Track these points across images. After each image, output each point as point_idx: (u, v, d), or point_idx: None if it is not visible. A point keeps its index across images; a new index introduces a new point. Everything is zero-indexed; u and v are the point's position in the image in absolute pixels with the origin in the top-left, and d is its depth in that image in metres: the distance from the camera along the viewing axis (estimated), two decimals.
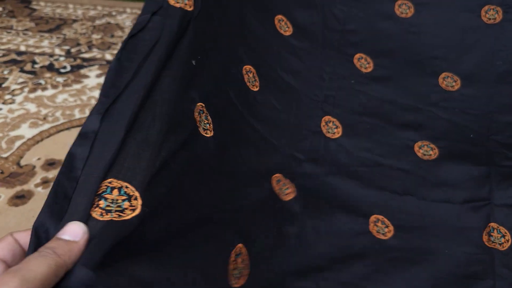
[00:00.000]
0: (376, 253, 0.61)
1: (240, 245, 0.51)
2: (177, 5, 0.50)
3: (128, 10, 1.56)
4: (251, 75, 0.69)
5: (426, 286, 0.59)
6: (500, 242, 0.61)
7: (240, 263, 0.50)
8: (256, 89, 0.69)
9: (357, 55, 0.82)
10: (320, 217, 0.65)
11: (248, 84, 0.67)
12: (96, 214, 0.33)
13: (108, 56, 1.25)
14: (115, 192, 0.35)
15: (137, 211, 0.35)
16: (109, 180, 0.35)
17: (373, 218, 0.65)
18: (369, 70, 0.81)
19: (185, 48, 0.50)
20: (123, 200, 0.35)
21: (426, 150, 0.74)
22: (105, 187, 0.35)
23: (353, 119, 0.77)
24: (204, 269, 0.44)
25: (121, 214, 0.34)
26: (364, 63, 0.81)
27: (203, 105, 0.52)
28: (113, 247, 0.32)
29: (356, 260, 0.61)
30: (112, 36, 1.38)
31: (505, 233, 0.62)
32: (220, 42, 0.64)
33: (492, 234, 0.62)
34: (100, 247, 0.31)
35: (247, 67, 0.69)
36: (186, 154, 0.45)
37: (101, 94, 0.40)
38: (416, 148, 0.74)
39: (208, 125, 0.52)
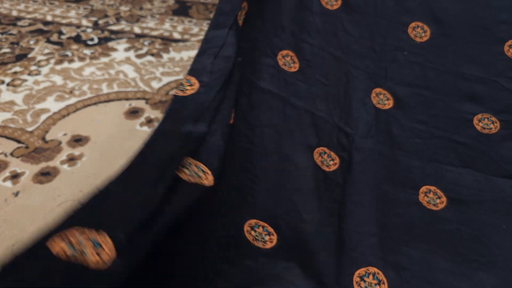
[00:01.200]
0: (426, 224, 0.60)
1: None
2: None
3: None
4: (288, 58, 0.75)
5: (482, 261, 0.56)
6: None
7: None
8: (294, 70, 0.74)
9: (413, 24, 0.78)
10: (364, 187, 0.64)
11: (284, 67, 0.74)
12: None
13: (137, 29, 1.20)
14: None
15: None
16: None
17: (424, 188, 0.64)
18: (426, 39, 0.77)
19: None
20: None
21: (486, 123, 0.71)
22: None
23: (406, 91, 0.75)
24: None
25: None
26: (420, 32, 0.78)
27: None
28: None
29: (402, 229, 0.59)
30: (141, 8, 1.32)
31: None
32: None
33: None
34: None
35: (284, 52, 0.75)
36: None
37: None
38: (475, 121, 0.71)
39: None
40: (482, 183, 0.65)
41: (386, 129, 0.71)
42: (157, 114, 0.88)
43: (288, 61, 0.76)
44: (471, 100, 0.73)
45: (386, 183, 0.65)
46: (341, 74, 0.77)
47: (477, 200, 0.63)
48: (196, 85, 0.58)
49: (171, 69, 1.03)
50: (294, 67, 0.76)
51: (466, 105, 0.73)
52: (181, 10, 1.32)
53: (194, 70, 0.61)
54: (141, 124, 0.86)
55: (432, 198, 0.63)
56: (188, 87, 0.58)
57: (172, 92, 0.95)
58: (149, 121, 0.86)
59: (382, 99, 0.75)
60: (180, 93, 0.56)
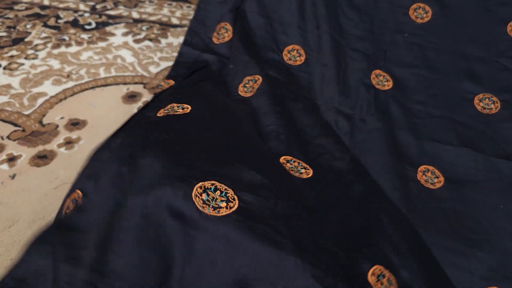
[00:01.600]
0: (422, 201, 0.61)
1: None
2: None
3: None
4: (294, 52, 0.79)
5: (477, 239, 0.57)
6: None
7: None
8: (299, 63, 0.78)
9: (414, 5, 0.79)
10: (374, 161, 0.66)
11: (289, 62, 0.78)
12: None
13: (135, 14, 1.19)
14: None
15: None
16: None
17: (422, 168, 0.65)
18: (427, 20, 0.78)
19: None
20: None
21: (487, 103, 0.71)
22: None
23: (406, 72, 0.75)
24: None
25: None
26: (421, 13, 0.78)
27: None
28: None
29: (400, 202, 0.61)
30: None
31: None
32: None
33: None
34: None
35: (289, 47, 0.79)
36: None
37: None
38: (476, 100, 0.71)
39: None
40: (480, 163, 0.65)
41: (385, 108, 0.72)
42: None
43: (294, 55, 0.79)
44: (471, 79, 0.73)
45: (387, 158, 0.66)
46: (340, 58, 0.78)
47: (474, 180, 0.64)
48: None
49: (169, 54, 1.02)
50: (300, 60, 0.79)
51: (466, 84, 0.73)
52: None
53: None
54: (139, 108, 0.85)
55: (430, 177, 0.64)
56: None
57: None
58: None
59: (382, 80, 0.75)
60: None
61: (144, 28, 1.12)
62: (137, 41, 1.06)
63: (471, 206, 0.61)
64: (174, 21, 1.16)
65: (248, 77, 0.76)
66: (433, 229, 0.58)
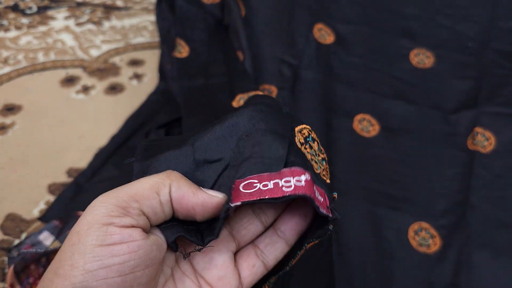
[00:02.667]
0: (356, 148, 0.64)
1: None
2: None
3: None
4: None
5: (406, 181, 0.61)
6: (482, 145, 0.62)
7: None
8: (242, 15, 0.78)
9: None
10: (307, 114, 0.68)
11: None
12: None
13: None
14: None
15: None
16: None
17: (358, 117, 0.67)
18: None
19: None
20: None
21: (421, 58, 0.73)
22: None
23: (347, 28, 0.77)
24: None
25: None
26: None
27: None
28: None
29: (335, 153, 0.63)
30: None
31: (489, 137, 0.63)
32: None
33: (476, 137, 0.63)
34: None
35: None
36: None
37: None
38: (411, 56, 0.74)
39: None
40: (412, 113, 0.68)
41: (326, 61, 0.74)
42: (94, 82, 0.87)
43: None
44: (407, 36, 0.76)
45: (325, 109, 0.68)
46: (285, 11, 0.79)
47: (407, 128, 0.67)
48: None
49: (111, 37, 1.01)
50: (241, 13, 0.79)
51: (402, 41, 0.75)
52: None
53: None
54: (77, 92, 0.85)
55: (365, 125, 0.67)
56: None
57: (112, 60, 0.94)
58: (85, 89, 0.85)
59: (324, 35, 0.76)
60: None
61: (87, 11, 1.10)
62: (79, 25, 1.04)
63: (403, 153, 0.64)
64: (119, 3, 1.15)
65: None
66: (365, 174, 0.62)
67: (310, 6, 0.78)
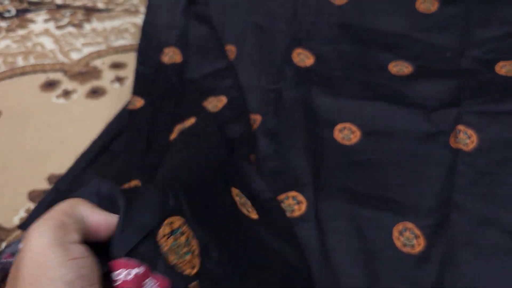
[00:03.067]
0: (338, 157, 0.64)
1: None
2: None
3: None
4: (228, 48, 0.81)
5: (390, 183, 0.61)
6: (465, 143, 0.63)
7: None
8: (231, 59, 0.80)
9: None
10: (290, 132, 0.68)
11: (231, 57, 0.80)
12: None
13: (58, 0, 1.15)
14: None
15: None
16: None
17: (339, 126, 0.68)
18: (345, 1, 0.82)
19: None
20: None
21: (400, 68, 0.75)
22: None
23: (326, 49, 0.79)
24: None
25: None
26: None
27: None
28: None
29: (318, 163, 0.63)
30: None
31: (471, 135, 0.63)
32: None
33: (458, 135, 0.63)
34: None
35: (227, 47, 0.81)
36: None
37: None
38: (390, 66, 0.75)
39: None
40: (394, 114, 0.68)
41: (306, 81, 0.75)
42: (75, 86, 0.86)
43: (230, 49, 0.81)
44: (385, 51, 0.78)
45: (307, 122, 0.69)
46: (266, 41, 0.81)
47: (389, 130, 0.67)
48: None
49: (93, 40, 0.99)
50: (231, 55, 0.81)
51: (381, 55, 0.77)
52: None
53: None
54: (58, 96, 0.83)
55: (346, 134, 0.67)
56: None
57: (93, 63, 0.92)
58: (66, 93, 0.84)
59: (303, 58, 0.78)
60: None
61: (67, 13, 1.09)
62: (59, 28, 1.03)
63: (386, 155, 0.64)
64: (100, 5, 1.13)
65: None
66: (349, 178, 0.62)
67: (290, 32, 0.80)
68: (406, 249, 0.55)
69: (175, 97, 0.76)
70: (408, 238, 0.55)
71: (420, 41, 0.78)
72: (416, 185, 0.60)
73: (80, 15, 1.08)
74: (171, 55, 0.81)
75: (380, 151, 0.65)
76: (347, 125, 0.68)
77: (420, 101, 0.69)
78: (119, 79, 0.88)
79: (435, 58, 0.75)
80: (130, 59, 0.94)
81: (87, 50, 0.96)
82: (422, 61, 0.75)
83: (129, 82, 0.88)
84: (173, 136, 0.66)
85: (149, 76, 0.79)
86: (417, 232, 0.56)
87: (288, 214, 0.56)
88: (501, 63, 0.71)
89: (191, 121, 0.68)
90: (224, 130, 0.65)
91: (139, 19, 1.06)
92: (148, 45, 0.83)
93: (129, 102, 0.75)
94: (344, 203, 0.59)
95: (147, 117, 0.72)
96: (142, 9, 1.10)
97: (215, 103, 0.72)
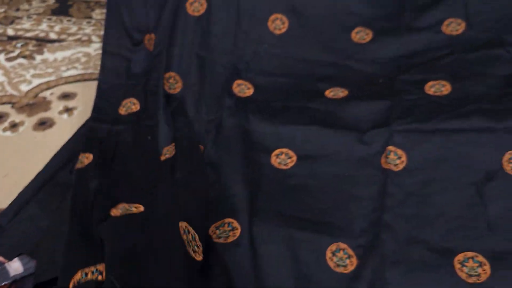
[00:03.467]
0: (276, 182, 0.66)
1: None
2: None
3: None
4: (172, 80, 0.82)
5: (323, 207, 0.63)
6: (395, 163, 0.65)
7: None
8: (178, 90, 0.82)
9: (272, 17, 0.85)
10: (231, 160, 0.70)
11: (169, 90, 0.81)
12: None
13: (10, 31, 1.15)
14: None
15: None
16: None
17: (276, 151, 0.70)
18: (284, 30, 0.85)
19: None
20: None
21: (336, 92, 0.78)
22: None
23: (266, 80, 0.82)
24: None
25: None
26: (279, 24, 0.85)
27: None
28: None
29: (256, 188, 0.65)
30: (18, 9, 1.27)
31: (401, 155, 0.66)
32: None
33: (388, 156, 0.66)
34: None
35: (167, 74, 0.82)
36: None
37: None
38: (327, 92, 0.79)
39: None
40: (328, 138, 0.71)
41: (245, 108, 0.77)
42: (22, 118, 0.86)
43: (172, 83, 0.82)
44: (323, 80, 0.81)
45: (245, 149, 0.71)
46: (207, 73, 0.83)
47: (324, 154, 0.69)
48: None
49: (43, 71, 1.00)
50: (178, 86, 0.82)
51: (319, 84, 0.81)
52: (61, 9, 1.28)
53: None
54: (4, 129, 0.83)
55: (283, 159, 0.69)
56: None
57: (42, 94, 0.93)
58: (13, 126, 0.84)
59: (243, 89, 0.81)
60: None
61: (18, 45, 1.09)
62: (9, 59, 1.03)
63: (320, 178, 0.66)
64: (52, 36, 1.14)
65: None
66: (285, 202, 0.64)
67: (230, 62, 0.83)
68: (339, 269, 0.56)
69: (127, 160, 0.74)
70: (342, 258, 0.57)
71: (355, 70, 0.82)
72: (349, 206, 0.63)
73: (31, 46, 1.09)
74: (128, 106, 0.83)
75: (314, 174, 0.67)
76: (284, 150, 0.70)
77: (353, 123, 0.72)
78: (68, 110, 0.89)
79: (370, 84, 0.79)
80: (80, 89, 0.95)
81: (37, 81, 0.96)
82: (357, 88, 0.78)
83: (78, 112, 0.88)
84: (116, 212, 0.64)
85: (101, 134, 0.78)
86: (350, 252, 0.58)
87: (222, 240, 0.58)
88: (430, 83, 0.75)
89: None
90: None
91: (91, 49, 1.08)
92: (105, 102, 0.83)
93: (78, 161, 0.72)
94: (279, 226, 0.60)
95: (94, 176, 0.69)
96: (95, 38, 1.12)
97: (171, 151, 0.72)
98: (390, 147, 0.67)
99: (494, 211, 0.59)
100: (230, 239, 0.58)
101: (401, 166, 0.65)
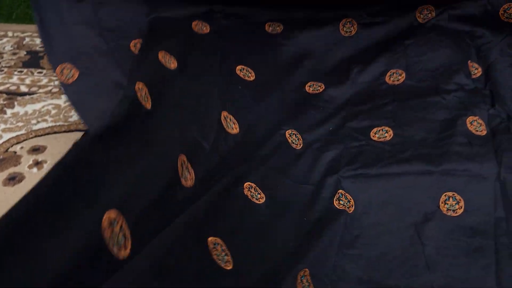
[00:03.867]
0: (247, 214, 0.70)
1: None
2: None
3: (10, 34, 1.49)
4: (143, 92, 0.79)
5: (287, 246, 0.67)
6: (348, 206, 0.72)
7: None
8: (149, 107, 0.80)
9: (239, 67, 0.94)
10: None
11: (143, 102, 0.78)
12: None
13: None
14: None
15: None
16: None
17: (246, 184, 0.74)
18: (252, 79, 0.93)
19: None
20: None
21: (294, 139, 0.84)
22: None
23: (245, 117, 0.88)
24: None
25: None
26: (247, 73, 0.93)
27: None
28: None
29: (228, 218, 0.68)
30: None
31: (350, 199, 0.72)
32: None
33: (341, 199, 0.73)
34: None
35: (138, 85, 0.79)
36: None
37: None
38: (287, 135, 0.85)
39: None
40: (289, 187, 0.76)
41: (230, 149, 0.82)
42: None
43: (143, 96, 0.81)
44: (285, 124, 0.87)
45: (226, 177, 0.74)
46: (200, 96, 0.87)
47: (286, 201, 0.75)
48: None
49: (13, 125, 1.04)
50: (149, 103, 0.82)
51: (283, 127, 0.87)
52: (32, 61, 1.32)
53: None
54: None
55: (254, 193, 0.74)
56: None
57: (12, 149, 0.96)
58: None
59: (230, 123, 0.86)
60: None
61: None
62: None
63: (284, 221, 0.71)
64: (23, 88, 1.18)
65: None
66: (249, 237, 0.67)
67: (219, 96, 0.87)
68: None
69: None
70: None
71: (312, 113, 0.89)
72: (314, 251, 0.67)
73: (2, 100, 1.13)
74: None
75: (281, 216, 0.72)
76: (253, 184, 0.74)
77: (307, 174, 0.78)
78: (37, 164, 0.92)
79: (321, 132, 0.86)
80: (50, 142, 0.98)
81: (7, 136, 1.00)
82: (311, 134, 0.86)
83: (48, 165, 0.92)
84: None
85: None
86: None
87: None
88: (375, 129, 0.82)
89: None
90: None
91: (61, 101, 1.12)
92: None
93: None
94: None
95: None
96: None
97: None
98: (341, 191, 0.73)
99: (432, 250, 0.65)
100: None
101: (352, 210, 0.71)
